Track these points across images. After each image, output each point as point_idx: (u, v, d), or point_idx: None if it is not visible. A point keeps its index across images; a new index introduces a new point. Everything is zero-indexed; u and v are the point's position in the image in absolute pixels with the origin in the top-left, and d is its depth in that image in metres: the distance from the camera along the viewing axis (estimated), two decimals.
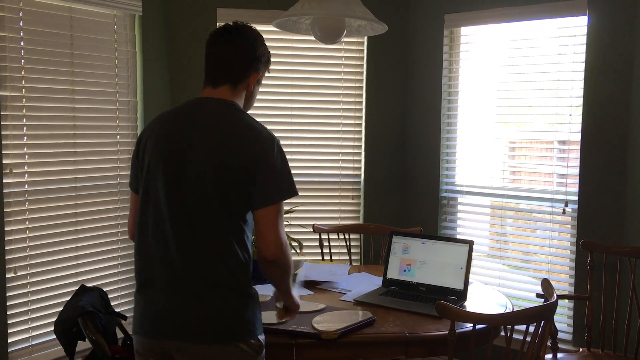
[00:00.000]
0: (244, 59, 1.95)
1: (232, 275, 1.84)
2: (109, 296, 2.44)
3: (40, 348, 3.20)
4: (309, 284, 2.81)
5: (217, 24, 3.84)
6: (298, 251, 3.38)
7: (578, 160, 3.43)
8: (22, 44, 3.09)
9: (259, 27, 3.86)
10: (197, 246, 1.83)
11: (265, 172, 1.81)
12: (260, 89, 2.12)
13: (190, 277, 1.83)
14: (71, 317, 2.19)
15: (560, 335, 3.38)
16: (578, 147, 3.43)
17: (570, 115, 3.49)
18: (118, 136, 3.58)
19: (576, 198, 3.45)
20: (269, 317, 2.24)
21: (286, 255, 1.87)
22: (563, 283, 3.57)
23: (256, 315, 1.90)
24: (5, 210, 3.01)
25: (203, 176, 1.81)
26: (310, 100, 4.07)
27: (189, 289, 1.83)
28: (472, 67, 3.92)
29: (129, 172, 2.03)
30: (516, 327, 2.06)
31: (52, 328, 2.29)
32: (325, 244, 3.66)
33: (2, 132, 3.01)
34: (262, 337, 1.91)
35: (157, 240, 1.86)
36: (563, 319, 3.55)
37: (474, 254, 2.73)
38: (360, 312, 2.39)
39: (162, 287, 1.85)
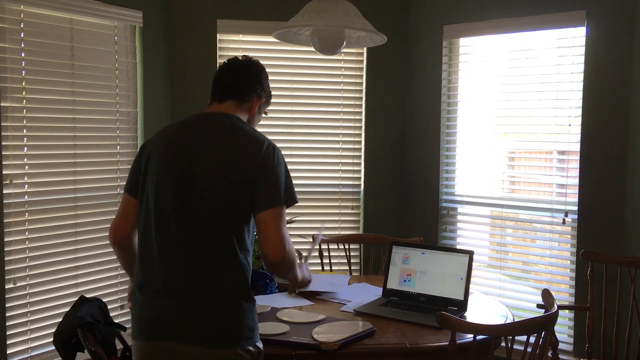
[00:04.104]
0: (250, 82, 2.06)
1: (235, 281, 1.88)
2: (109, 307, 2.43)
3: (39, 359, 3.18)
4: (309, 295, 2.81)
5: (217, 35, 3.86)
6: (298, 261, 3.37)
7: (577, 170, 3.43)
8: (22, 55, 3.10)
9: (259, 38, 3.94)
10: (203, 252, 1.86)
11: (267, 177, 1.88)
12: None
13: (194, 282, 1.86)
14: (70, 328, 2.17)
15: (561, 345, 3.37)
16: (577, 157, 3.44)
17: (570, 125, 3.50)
18: (118, 147, 3.59)
19: (576, 208, 3.45)
20: (267, 328, 2.24)
21: (291, 256, 1.92)
22: (563, 293, 3.56)
23: (255, 322, 1.93)
24: (5, 220, 3.01)
25: (211, 184, 1.87)
26: (310, 111, 4.08)
27: (193, 294, 1.85)
28: (471, 77, 3.94)
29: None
30: (517, 337, 2.06)
31: (52, 339, 2.28)
32: (325, 254, 3.65)
33: (3, 143, 3.02)
34: (260, 345, 1.94)
35: (162, 247, 1.89)
36: (564, 329, 3.54)
37: (474, 264, 2.72)
38: (361, 322, 2.38)
39: (164, 292, 1.87)
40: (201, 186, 1.87)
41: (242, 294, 1.89)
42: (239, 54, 2.14)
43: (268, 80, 2.15)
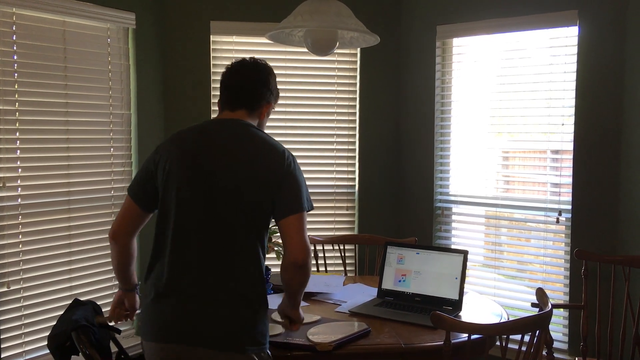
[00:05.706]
0: (261, 89, 2.10)
1: (252, 286, 1.93)
2: (103, 310, 2.42)
3: None
4: (304, 295, 2.80)
5: (211, 36, 3.85)
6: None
7: (571, 169, 3.44)
8: (15, 57, 3.09)
9: (252, 39, 3.93)
10: (222, 258, 1.91)
11: (290, 185, 1.97)
12: None
13: (213, 287, 1.90)
14: (65, 331, 2.17)
15: (555, 344, 3.38)
16: (571, 156, 3.45)
17: (563, 124, 3.51)
18: (112, 149, 3.58)
19: (570, 207, 3.47)
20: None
21: (311, 260, 1.97)
22: (558, 292, 3.57)
23: (267, 329, 1.97)
24: None
25: (233, 192, 1.92)
26: (303, 112, 4.08)
27: (211, 299, 1.89)
28: (464, 77, 3.95)
29: (131, 180, 2.08)
30: (511, 336, 2.06)
31: (46, 342, 2.27)
32: (320, 255, 3.65)
33: None
34: (269, 353, 1.97)
35: (180, 253, 1.93)
36: (558, 328, 3.55)
37: (468, 263, 2.73)
38: (356, 323, 2.38)
39: (183, 296, 1.91)
40: (225, 196, 1.92)
41: (259, 300, 1.94)
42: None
43: (276, 80, 2.17)
